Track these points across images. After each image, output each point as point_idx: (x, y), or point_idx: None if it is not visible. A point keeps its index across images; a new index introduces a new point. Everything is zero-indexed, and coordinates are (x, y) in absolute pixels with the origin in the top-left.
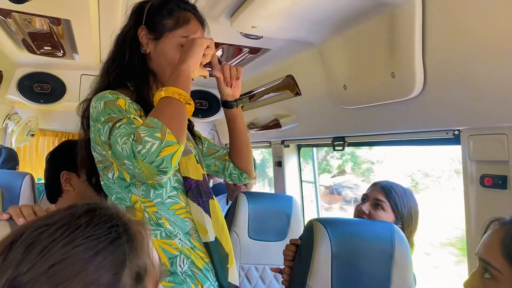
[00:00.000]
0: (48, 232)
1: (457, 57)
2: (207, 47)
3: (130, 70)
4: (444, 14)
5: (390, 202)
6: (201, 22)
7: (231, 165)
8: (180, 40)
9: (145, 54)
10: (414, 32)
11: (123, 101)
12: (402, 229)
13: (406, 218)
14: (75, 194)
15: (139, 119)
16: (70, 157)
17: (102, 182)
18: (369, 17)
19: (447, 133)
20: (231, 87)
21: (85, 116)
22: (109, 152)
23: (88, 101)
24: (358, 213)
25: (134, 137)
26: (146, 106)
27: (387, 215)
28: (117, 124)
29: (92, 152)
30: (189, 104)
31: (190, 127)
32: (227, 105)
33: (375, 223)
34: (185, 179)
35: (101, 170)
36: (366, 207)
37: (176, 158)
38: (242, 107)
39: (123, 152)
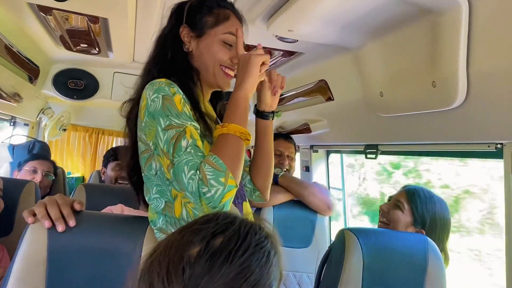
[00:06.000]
0: (223, 243)
1: (504, 67)
2: (263, 63)
3: (173, 68)
4: (492, 22)
5: (410, 204)
6: (239, 19)
7: (248, 178)
8: (222, 36)
9: (187, 53)
10: (459, 41)
11: (179, 97)
12: (426, 234)
13: (429, 223)
14: None
15: (197, 126)
16: None
17: (143, 174)
18: (410, 23)
19: (489, 146)
20: (275, 94)
21: (130, 118)
22: (170, 171)
23: (131, 101)
24: (380, 210)
25: (200, 175)
26: (192, 101)
27: (404, 216)
28: (183, 143)
29: (138, 142)
30: (248, 140)
31: None
32: (263, 115)
33: (408, 235)
34: None
35: (144, 161)
36: (385, 206)
37: (232, 199)
38: None
39: (188, 187)
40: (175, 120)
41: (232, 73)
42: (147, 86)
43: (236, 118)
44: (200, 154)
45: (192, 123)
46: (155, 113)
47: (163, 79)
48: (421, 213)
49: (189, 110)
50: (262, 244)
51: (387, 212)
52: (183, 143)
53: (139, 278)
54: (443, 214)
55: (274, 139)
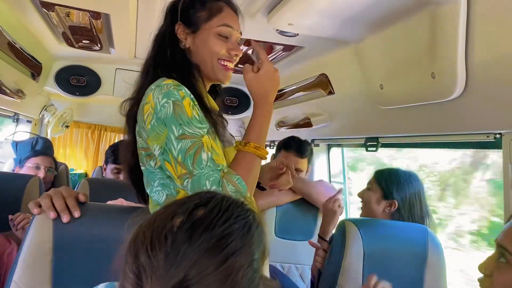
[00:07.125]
0: (205, 213)
1: (502, 57)
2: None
3: (173, 66)
4: (490, 12)
5: (376, 182)
6: (234, 10)
7: None
8: (217, 29)
9: (185, 49)
10: (458, 32)
11: (188, 101)
12: (399, 207)
13: (398, 193)
14: None
15: (208, 128)
16: None
17: (143, 168)
18: (409, 15)
19: (487, 136)
20: (272, 187)
21: (130, 116)
22: (187, 181)
23: (132, 100)
24: None
25: (222, 191)
26: (197, 98)
27: (374, 193)
28: (203, 157)
29: (137, 137)
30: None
31: (225, 124)
32: (258, 185)
33: (409, 225)
34: None
35: (143, 157)
36: (360, 192)
37: None
38: None
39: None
40: (188, 130)
41: (231, 65)
42: (153, 87)
43: (262, 131)
44: (218, 168)
45: (203, 129)
46: (166, 119)
47: (170, 81)
48: (386, 186)
49: (198, 112)
50: (244, 215)
51: (362, 196)
52: (203, 156)
53: (126, 248)
54: (409, 182)
55: (285, 150)
